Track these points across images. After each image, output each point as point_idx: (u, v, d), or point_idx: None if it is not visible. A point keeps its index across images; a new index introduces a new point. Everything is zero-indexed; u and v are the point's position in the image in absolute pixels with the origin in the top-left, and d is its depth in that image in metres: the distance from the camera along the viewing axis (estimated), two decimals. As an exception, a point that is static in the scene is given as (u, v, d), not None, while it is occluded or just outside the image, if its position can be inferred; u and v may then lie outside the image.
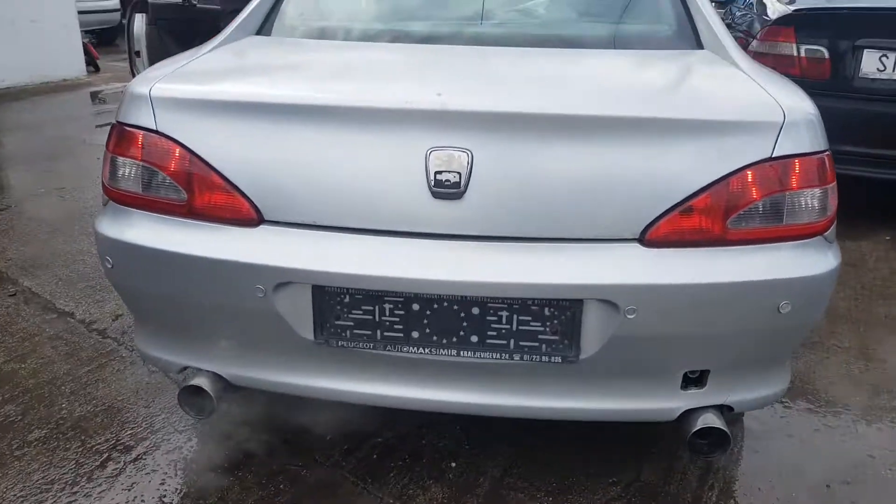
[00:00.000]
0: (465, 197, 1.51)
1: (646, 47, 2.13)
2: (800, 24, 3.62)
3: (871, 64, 3.54)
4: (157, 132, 1.63)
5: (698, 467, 2.01)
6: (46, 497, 1.84)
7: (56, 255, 3.35)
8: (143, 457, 2.00)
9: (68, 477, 1.91)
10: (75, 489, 1.87)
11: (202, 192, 1.61)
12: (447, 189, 1.50)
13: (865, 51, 3.53)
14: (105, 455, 2.00)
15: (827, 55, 3.55)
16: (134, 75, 2.55)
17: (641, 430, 2.15)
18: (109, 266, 1.72)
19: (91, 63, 8.88)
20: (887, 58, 3.50)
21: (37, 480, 1.90)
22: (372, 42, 2.19)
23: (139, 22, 4.06)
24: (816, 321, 1.70)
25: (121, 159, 1.68)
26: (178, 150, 1.62)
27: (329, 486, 1.91)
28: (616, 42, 2.17)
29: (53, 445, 2.03)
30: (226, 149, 1.60)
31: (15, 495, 1.85)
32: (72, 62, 8.49)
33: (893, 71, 3.52)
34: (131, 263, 1.69)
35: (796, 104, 1.56)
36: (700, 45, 2.08)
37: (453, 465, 1.99)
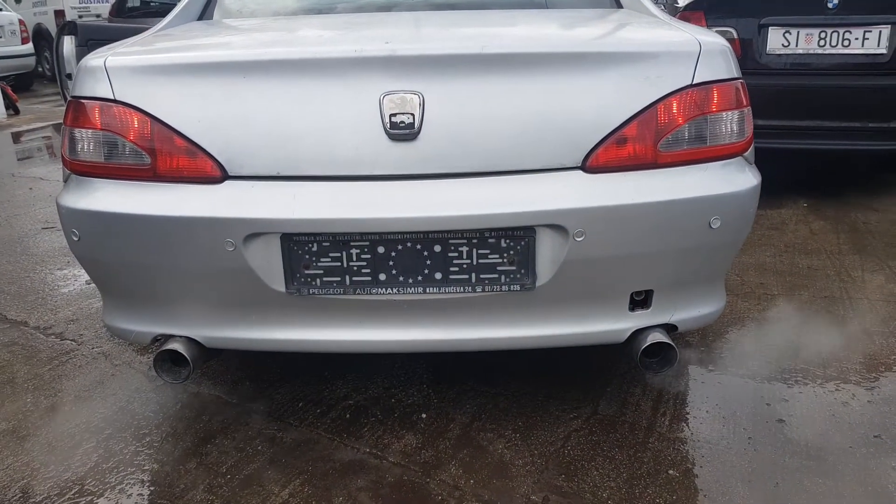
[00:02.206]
0: (419, 137, 1.62)
1: (571, 7, 2.32)
2: (709, 7, 3.90)
3: (777, 41, 3.82)
4: (115, 101, 1.68)
5: (651, 398, 2.15)
6: (24, 476, 1.84)
7: (0, 275, 3.31)
8: (119, 434, 2.02)
9: (43, 458, 1.91)
10: (51, 468, 1.87)
11: (166, 155, 1.67)
12: (402, 130, 1.61)
13: (770, 28, 3.81)
14: (78, 437, 2.00)
15: (736, 35, 3.81)
16: (66, 98, 2.56)
17: (596, 372, 2.28)
18: (76, 239, 1.75)
19: (10, 106, 8.72)
20: (790, 34, 3.79)
21: (11, 464, 1.89)
22: (317, 15, 2.30)
23: (69, 44, 4.05)
24: (742, 240, 1.86)
25: (80, 132, 1.71)
26: (138, 117, 1.67)
27: (306, 443, 1.96)
28: (542, 5, 2.35)
29: (23, 434, 2.03)
30: (185, 111, 1.66)
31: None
32: (-10, 105, 8.35)
33: (797, 46, 3.81)
34: (98, 232, 1.72)
35: (710, 38, 1.74)
36: (620, 6, 2.28)
37: (423, 416, 2.08)
